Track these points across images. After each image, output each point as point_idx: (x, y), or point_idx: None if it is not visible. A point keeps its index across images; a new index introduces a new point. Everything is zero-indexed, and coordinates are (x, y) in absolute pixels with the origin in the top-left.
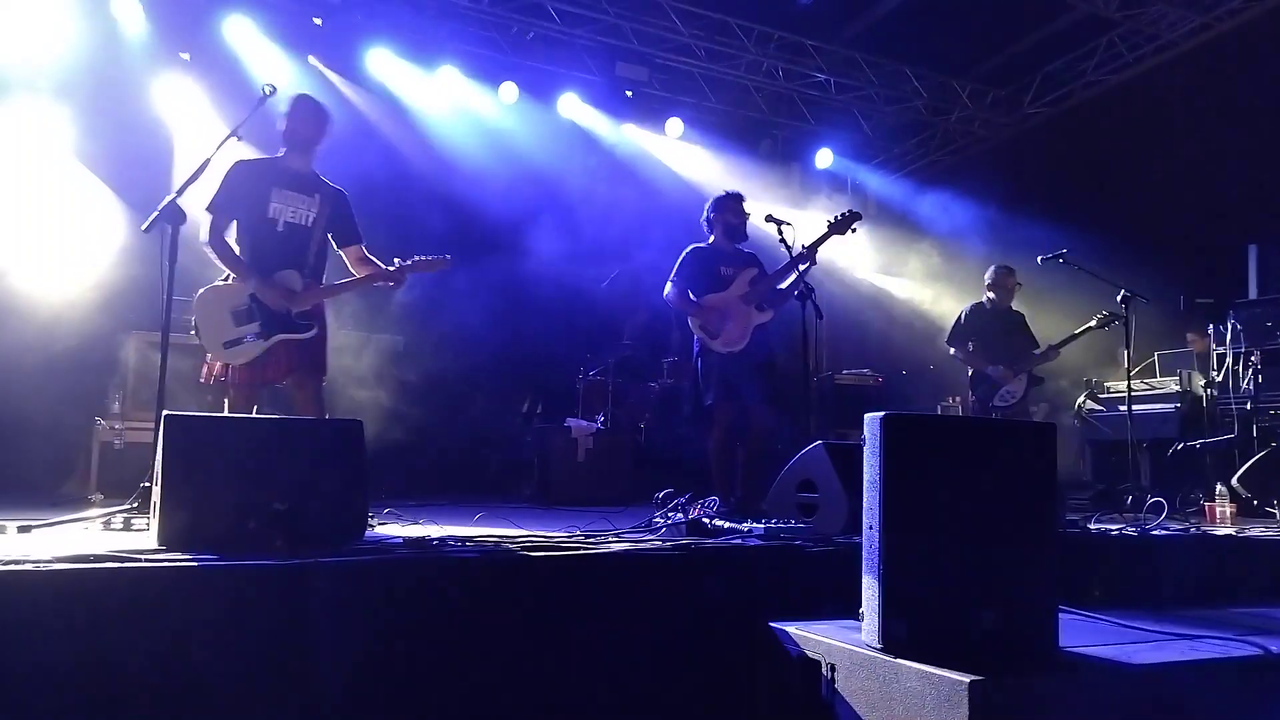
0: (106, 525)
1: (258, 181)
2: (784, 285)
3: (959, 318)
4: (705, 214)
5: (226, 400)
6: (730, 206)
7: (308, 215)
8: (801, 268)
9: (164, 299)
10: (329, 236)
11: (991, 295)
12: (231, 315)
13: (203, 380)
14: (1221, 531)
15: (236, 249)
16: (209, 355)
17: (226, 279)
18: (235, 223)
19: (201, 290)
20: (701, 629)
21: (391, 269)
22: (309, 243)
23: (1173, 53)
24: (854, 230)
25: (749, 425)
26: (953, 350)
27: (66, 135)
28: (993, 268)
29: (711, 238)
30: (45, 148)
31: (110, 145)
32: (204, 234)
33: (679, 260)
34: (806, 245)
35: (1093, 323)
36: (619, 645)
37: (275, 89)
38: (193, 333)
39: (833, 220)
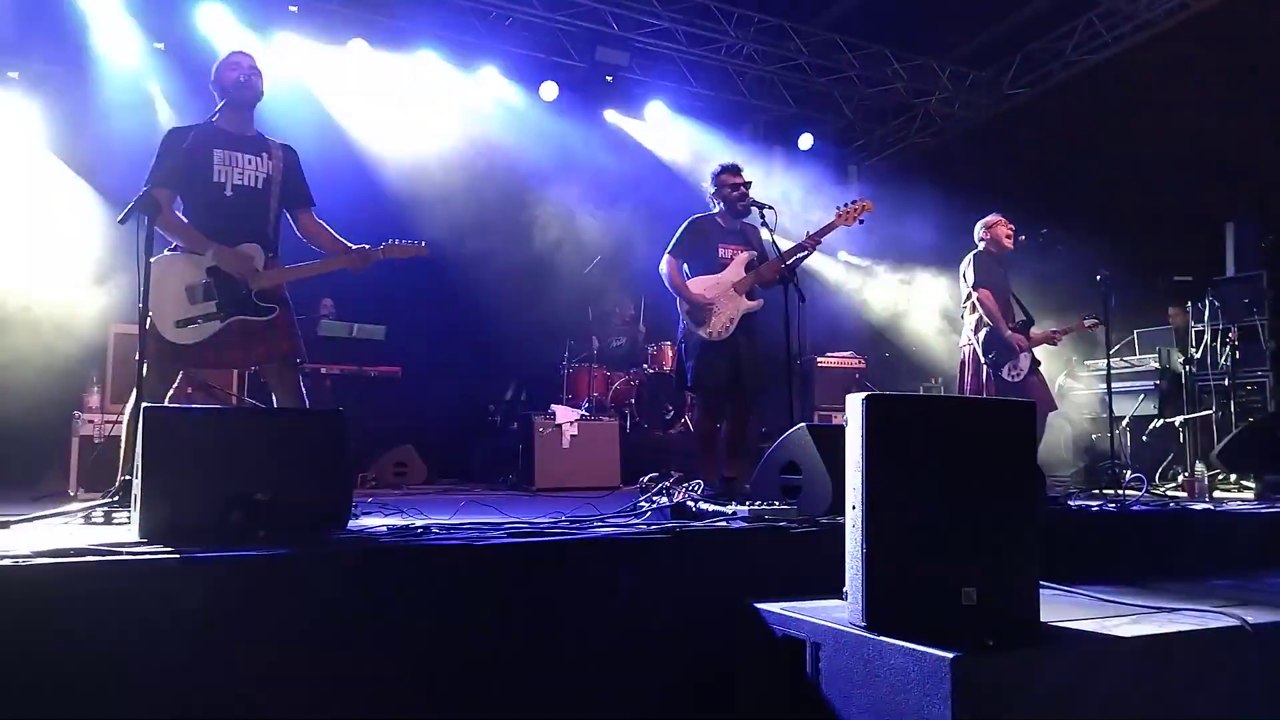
0: (87, 519)
1: (196, 144)
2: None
3: (976, 263)
4: (708, 186)
5: (146, 375)
6: (725, 179)
7: (257, 176)
8: (790, 260)
9: (140, 290)
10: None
11: (990, 240)
12: (186, 291)
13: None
14: (1200, 506)
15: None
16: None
17: (174, 248)
18: (180, 196)
19: (154, 259)
20: (687, 611)
21: (362, 252)
22: (266, 210)
23: (1151, 32)
24: (861, 221)
25: (731, 409)
26: (977, 295)
27: (39, 127)
28: (982, 220)
29: (715, 209)
30: (17, 139)
31: (85, 136)
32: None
33: (678, 231)
34: (812, 233)
35: (1086, 323)
36: (605, 629)
37: (225, 60)
38: (140, 305)
39: (841, 209)
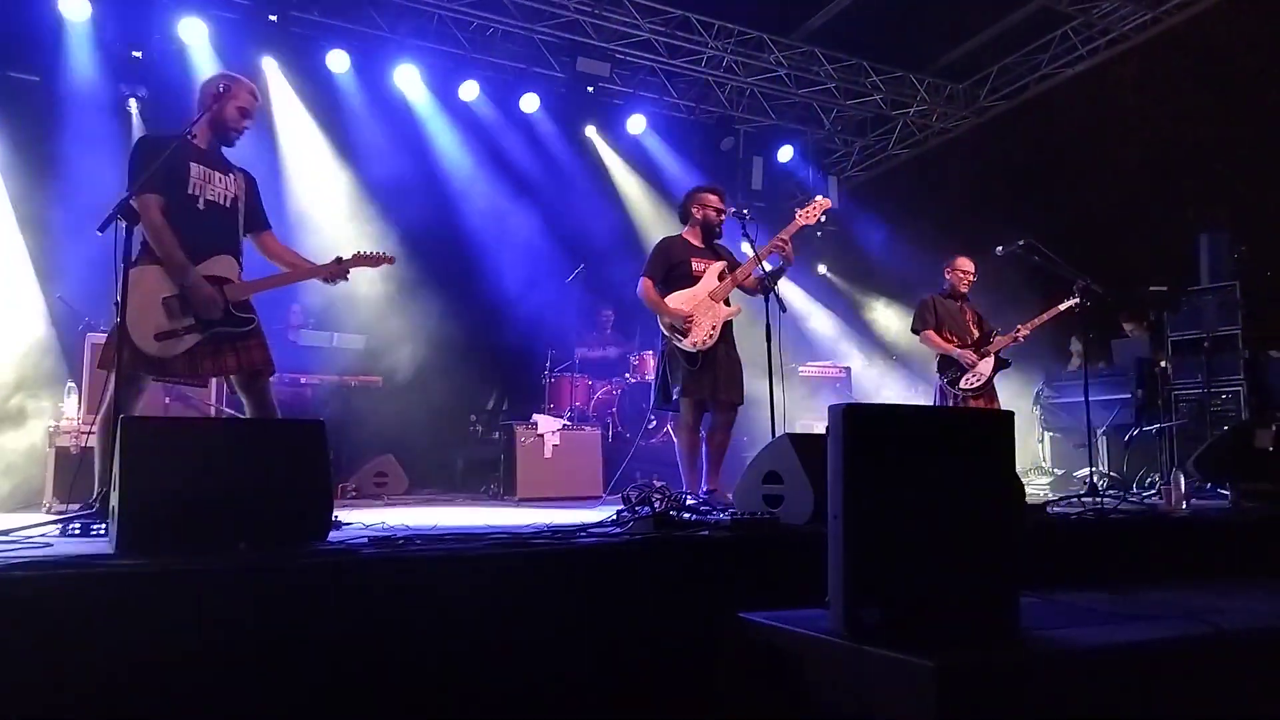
0: (64, 531)
1: (172, 154)
2: (754, 277)
3: (921, 306)
4: (682, 205)
5: (115, 389)
6: (707, 200)
7: (226, 195)
8: (770, 267)
9: (118, 299)
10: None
11: (948, 282)
12: (164, 305)
13: (100, 365)
14: (1177, 514)
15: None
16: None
17: (146, 255)
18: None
19: (131, 271)
20: (669, 621)
21: (335, 264)
22: (235, 227)
23: (1125, 45)
24: (823, 219)
25: (716, 421)
26: (919, 337)
27: (10, 133)
28: (950, 258)
29: (685, 230)
30: None
31: (58, 143)
32: (144, 220)
33: (651, 253)
34: (778, 236)
35: (1061, 306)
36: (587, 639)
37: (229, 86)
38: (118, 319)
39: (800, 211)
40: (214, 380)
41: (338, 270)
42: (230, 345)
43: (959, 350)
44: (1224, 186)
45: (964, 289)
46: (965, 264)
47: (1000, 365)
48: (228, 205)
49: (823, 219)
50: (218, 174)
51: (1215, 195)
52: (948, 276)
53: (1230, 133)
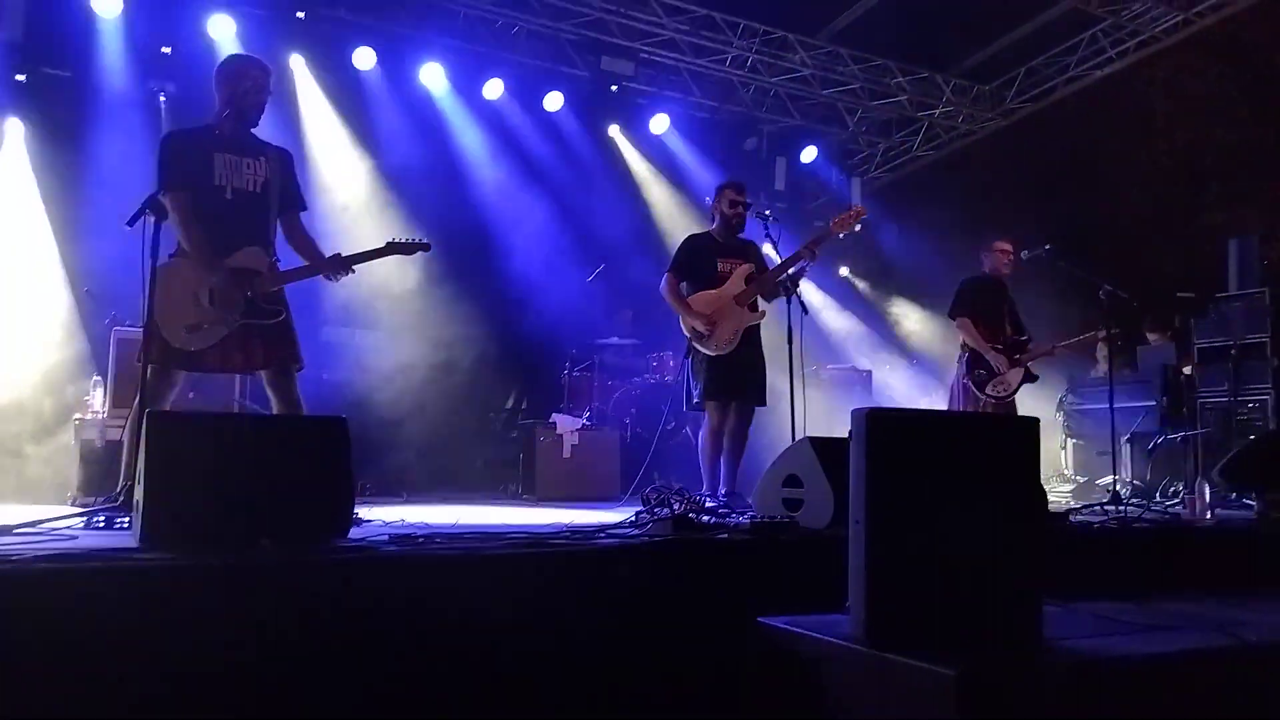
0: (89, 524)
1: (196, 148)
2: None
3: (960, 288)
4: (710, 200)
5: (150, 378)
6: (726, 195)
7: (255, 180)
8: (792, 270)
9: (146, 294)
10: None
11: (988, 265)
12: (194, 298)
13: (139, 360)
14: (1202, 524)
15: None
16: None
17: (178, 251)
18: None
19: (159, 264)
20: (688, 624)
21: (337, 259)
22: (266, 214)
23: (1155, 48)
24: (857, 229)
25: (735, 422)
26: (956, 323)
27: (43, 128)
28: (986, 245)
29: (713, 227)
30: (20, 142)
31: (89, 138)
32: (172, 216)
33: (677, 250)
34: (808, 243)
35: (1101, 333)
36: (605, 641)
37: (240, 66)
38: (145, 308)
39: (835, 218)
40: (236, 374)
41: (345, 268)
42: (259, 338)
43: (994, 353)
44: (1254, 191)
45: (1005, 270)
46: (1004, 244)
47: (1028, 378)
48: (258, 191)
49: (858, 229)
50: (245, 160)
51: (1245, 200)
52: (986, 259)
53: (1261, 136)
